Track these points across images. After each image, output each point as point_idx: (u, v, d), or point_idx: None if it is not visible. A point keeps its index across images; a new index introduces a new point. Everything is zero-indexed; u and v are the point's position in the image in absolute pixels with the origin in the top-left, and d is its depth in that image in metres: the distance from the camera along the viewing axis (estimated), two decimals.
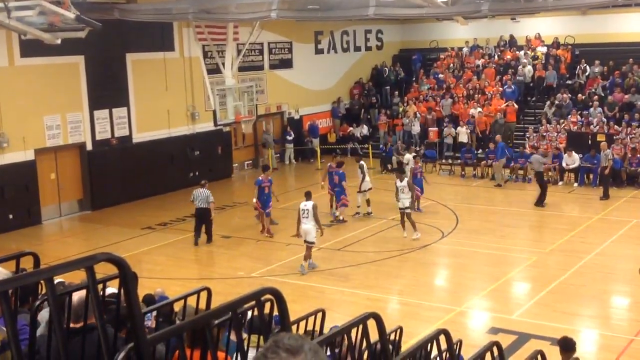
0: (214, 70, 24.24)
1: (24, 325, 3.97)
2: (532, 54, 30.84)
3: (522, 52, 31.14)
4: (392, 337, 7.36)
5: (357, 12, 20.00)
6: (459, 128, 27.96)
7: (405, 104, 30.54)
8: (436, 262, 17.16)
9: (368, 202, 20.52)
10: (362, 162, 21.15)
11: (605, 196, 21.52)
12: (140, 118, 23.80)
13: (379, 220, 19.76)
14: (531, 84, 30.11)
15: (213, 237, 18.48)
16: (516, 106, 28.28)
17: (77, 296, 3.73)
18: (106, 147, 22.92)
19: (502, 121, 27.48)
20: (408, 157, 22.46)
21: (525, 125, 28.25)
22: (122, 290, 2.94)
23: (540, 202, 20.88)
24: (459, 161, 26.38)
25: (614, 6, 25.47)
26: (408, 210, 17.94)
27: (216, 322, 3.88)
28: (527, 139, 26.69)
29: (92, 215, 22.17)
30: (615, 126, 25.23)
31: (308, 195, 16.08)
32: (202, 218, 18.22)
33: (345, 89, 33.07)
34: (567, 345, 8.42)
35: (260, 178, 18.57)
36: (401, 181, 18.13)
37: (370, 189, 20.57)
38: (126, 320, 3.19)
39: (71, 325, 3.78)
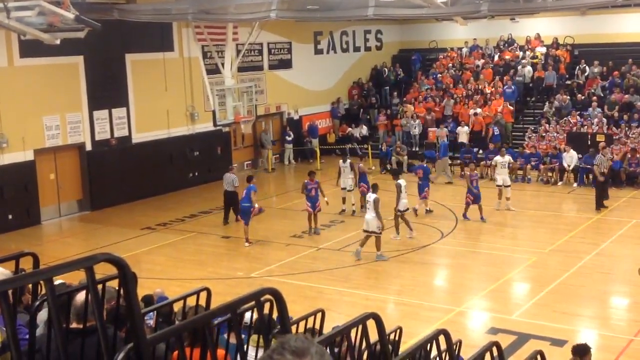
0: (214, 70, 24.23)
1: (20, 325, 3.97)
2: (532, 54, 30.87)
3: (521, 53, 31.17)
4: (391, 337, 7.36)
5: (356, 13, 20.00)
6: (458, 128, 27.98)
7: (402, 105, 30.59)
8: (436, 262, 17.15)
9: (344, 200, 20.84)
10: (349, 160, 21.23)
11: (605, 197, 21.49)
12: (140, 118, 23.80)
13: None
14: (530, 85, 30.13)
15: (213, 238, 18.67)
16: (511, 108, 28.26)
17: (81, 297, 3.73)
18: (105, 148, 22.91)
19: (503, 122, 27.54)
20: (497, 159, 21.28)
21: (525, 126, 28.27)
22: (121, 291, 2.94)
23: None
24: (458, 161, 26.39)
25: (613, 6, 25.46)
26: (398, 213, 18.01)
27: (216, 322, 3.88)
28: (528, 138, 26.69)
29: (91, 216, 22.16)
30: (613, 127, 25.28)
31: (374, 188, 16.85)
32: (229, 200, 19.65)
33: (344, 89, 33.08)
34: (577, 350, 8.26)
35: (253, 185, 18.33)
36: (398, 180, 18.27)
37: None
38: (126, 319, 3.19)
39: (74, 325, 3.78)
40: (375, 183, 17.26)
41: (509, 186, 20.98)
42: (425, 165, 20.84)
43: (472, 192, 19.64)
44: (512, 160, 22.11)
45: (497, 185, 20.94)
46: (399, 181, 18.07)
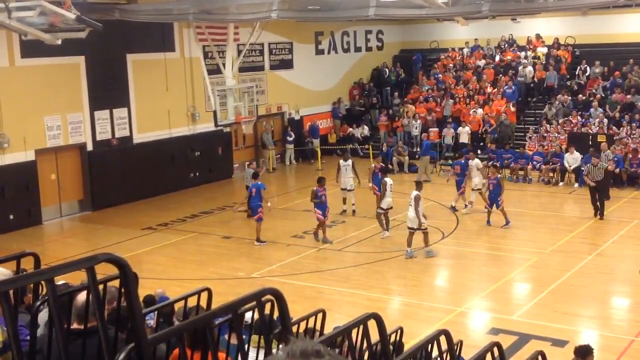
0: (215, 70, 24.25)
1: (21, 325, 3.98)
2: (533, 54, 30.86)
3: (522, 53, 31.15)
4: (392, 337, 7.36)
5: (357, 13, 20.00)
6: (459, 128, 27.97)
7: (403, 105, 30.58)
8: (436, 262, 17.12)
9: (345, 200, 20.92)
10: (351, 160, 21.20)
11: (606, 197, 21.46)
12: (141, 118, 23.81)
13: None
14: (532, 85, 30.12)
15: (214, 238, 18.71)
16: (513, 109, 28.19)
17: (82, 297, 3.73)
18: (107, 148, 22.91)
19: (507, 122, 27.55)
20: (469, 162, 20.77)
21: (526, 126, 28.26)
22: (122, 291, 2.94)
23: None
24: None
25: (614, 7, 25.46)
26: (380, 211, 18.19)
27: (217, 322, 3.88)
28: (528, 139, 26.67)
29: (92, 216, 22.16)
30: (614, 127, 25.27)
31: (417, 185, 16.99)
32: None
33: (345, 89, 33.07)
34: (579, 352, 8.24)
35: (261, 182, 18.42)
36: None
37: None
38: (127, 319, 3.19)
39: (75, 325, 3.77)
40: (419, 180, 17.39)
41: (477, 190, 20.26)
42: (462, 161, 21.14)
43: (490, 196, 19.17)
44: (480, 165, 21.01)
45: (472, 189, 20.43)
46: (385, 179, 18.25)
